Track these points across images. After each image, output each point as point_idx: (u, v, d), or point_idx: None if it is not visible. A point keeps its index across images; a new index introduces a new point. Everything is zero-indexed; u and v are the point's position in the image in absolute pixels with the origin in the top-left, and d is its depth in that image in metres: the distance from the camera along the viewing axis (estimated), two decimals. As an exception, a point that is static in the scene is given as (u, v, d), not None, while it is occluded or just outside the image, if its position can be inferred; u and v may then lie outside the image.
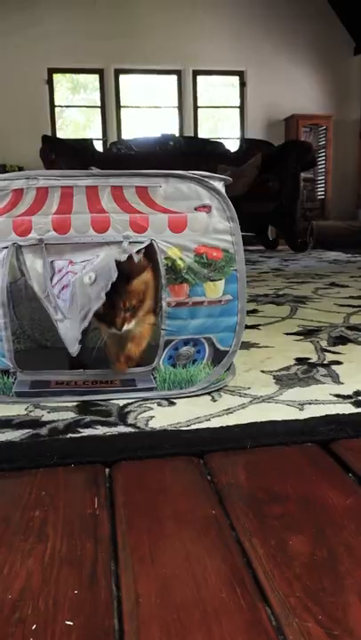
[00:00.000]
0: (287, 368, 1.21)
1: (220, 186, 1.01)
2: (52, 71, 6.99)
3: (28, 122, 6.80)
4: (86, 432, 0.88)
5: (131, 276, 0.96)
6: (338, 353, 1.33)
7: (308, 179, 7.46)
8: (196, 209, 0.99)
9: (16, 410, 0.99)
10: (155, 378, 1.04)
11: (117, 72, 7.16)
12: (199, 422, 0.91)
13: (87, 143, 5.56)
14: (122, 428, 0.89)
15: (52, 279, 0.97)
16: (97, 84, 7.25)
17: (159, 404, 1.01)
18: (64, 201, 0.97)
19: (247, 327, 1.61)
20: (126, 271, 0.96)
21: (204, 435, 0.86)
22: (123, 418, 0.93)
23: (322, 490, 0.69)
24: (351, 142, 7.60)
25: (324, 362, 1.26)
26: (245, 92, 7.43)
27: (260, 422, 0.90)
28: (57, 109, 7.23)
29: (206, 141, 6.00)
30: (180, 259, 0.99)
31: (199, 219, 0.99)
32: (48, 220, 0.97)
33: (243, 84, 7.43)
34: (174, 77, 7.34)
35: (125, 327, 0.97)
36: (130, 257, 0.96)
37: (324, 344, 1.42)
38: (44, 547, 0.58)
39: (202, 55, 7.17)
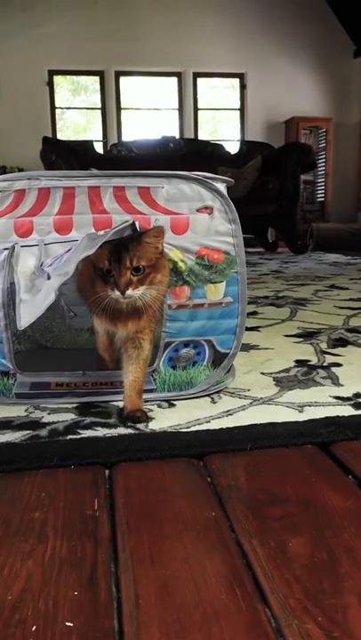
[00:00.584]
0: (287, 370, 1.22)
1: (222, 187, 1.01)
2: (52, 73, 7.00)
3: (29, 123, 6.81)
4: (86, 433, 0.88)
5: (143, 235, 0.89)
6: (338, 355, 1.33)
7: (308, 181, 7.47)
8: (197, 210, 0.99)
9: (16, 411, 0.99)
10: (155, 379, 1.04)
11: (118, 74, 7.18)
12: (199, 424, 0.91)
13: (87, 145, 5.56)
14: (122, 430, 0.89)
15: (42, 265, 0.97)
16: (97, 85, 7.26)
17: (159, 406, 1.01)
18: (66, 201, 0.97)
19: (247, 329, 1.61)
20: (139, 232, 0.91)
21: (203, 436, 0.86)
22: (123, 419, 0.93)
23: (322, 492, 0.70)
24: (351, 145, 7.62)
25: (324, 364, 1.26)
26: (246, 95, 7.45)
27: (260, 424, 0.90)
28: (57, 111, 7.24)
29: (206, 143, 6.01)
30: (182, 261, 0.99)
31: (201, 220, 1.00)
32: (50, 220, 0.97)
33: (243, 87, 7.45)
34: (175, 79, 7.35)
35: (129, 292, 0.87)
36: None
37: (323, 346, 1.42)
38: (44, 548, 0.58)
39: (202, 57, 7.18)
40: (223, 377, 1.08)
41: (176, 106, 7.46)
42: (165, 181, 0.98)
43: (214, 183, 1.00)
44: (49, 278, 0.88)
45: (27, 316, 0.86)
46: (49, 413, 0.97)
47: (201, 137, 7.37)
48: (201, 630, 0.46)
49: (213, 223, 1.00)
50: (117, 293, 0.87)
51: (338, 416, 0.93)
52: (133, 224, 0.93)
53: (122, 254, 0.86)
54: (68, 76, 7.31)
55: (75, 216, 0.97)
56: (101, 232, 0.90)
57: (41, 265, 0.96)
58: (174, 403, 1.02)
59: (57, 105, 7.20)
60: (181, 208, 0.98)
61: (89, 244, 0.85)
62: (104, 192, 0.97)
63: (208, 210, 1.00)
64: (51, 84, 7.04)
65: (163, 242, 0.92)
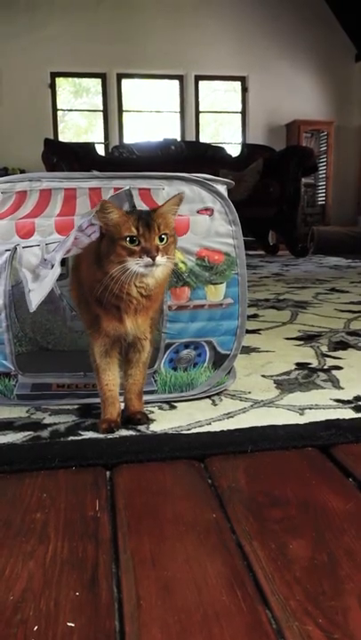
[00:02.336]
0: (288, 373, 1.22)
1: (222, 189, 1.02)
2: (54, 75, 7.01)
3: (31, 125, 6.81)
4: (87, 435, 0.88)
5: (165, 204, 0.86)
6: (338, 358, 1.33)
7: (309, 184, 7.47)
8: (198, 212, 1.00)
9: (17, 412, 0.99)
10: (155, 381, 1.04)
11: (120, 76, 7.19)
12: (200, 426, 0.92)
13: (89, 147, 5.56)
14: (123, 431, 0.90)
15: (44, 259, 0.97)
16: (99, 88, 7.27)
17: (160, 408, 1.01)
18: (67, 203, 0.97)
19: (248, 332, 1.62)
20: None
21: (204, 438, 0.86)
22: (123, 421, 0.93)
23: (322, 494, 0.70)
24: (352, 148, 7.62)
25: (325, 367, 1.26)
26: (247, 98, 7.45)
27: (261, 426, 0.90)
28: (59, 113, 7.24)
29: (208, 146, 6.02)
30: (182, 262, 0.99)
31: (201, 222, 1.00)
32: (51, 222, 0.97)
33: (244, 90, 7.46)
34: (176, 82, 7.36)
35: (158, 259, 0.82)
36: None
37: (324, 349, 1.42)
38: (45, 549, 0.59)
39: (204, 60, 7.19)
40: (224, 378, 1.08)
41: (178, 108, 7.46)
42: (166, 183, 0.98)
43: (215, 185, 1.00)
44: (52, 267, 0.88)
45: (37, 297, 0.85)
46: (50, 415, 0.98)
47: (202, 140, 7.37)
48: (202, 631, 0.46)
49: (214, 224, 1.01)
50: (147, 260, 0.81)
51: (338, 419, 0.93)
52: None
53: (149, 221, 0.83)
54: (70, 78, 7.32)
55: (76, 217, 0.97)
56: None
57: (44, 260, 0.97)
58: (175, 404, 1.03)
59: (59, 107, 7.20)
60: (182, 209, 0.98)
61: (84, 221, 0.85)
62: (105, 193, 0.97)
63: (208, 211, 1.00)
64: (53, 86, 7.05)
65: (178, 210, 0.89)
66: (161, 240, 0.83)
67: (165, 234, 0.84)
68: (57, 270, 0.84)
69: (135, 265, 0.82)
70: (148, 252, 0.82)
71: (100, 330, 0.91)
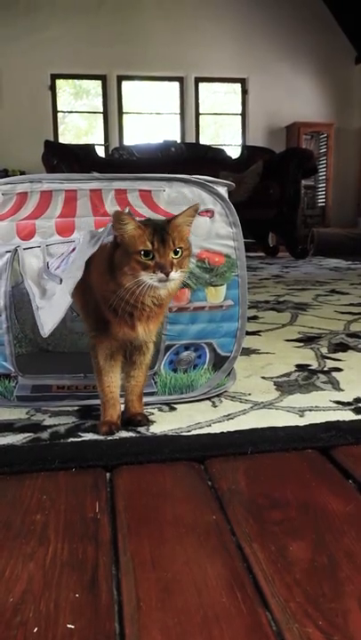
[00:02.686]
0: (288, 374, 1.22)
1: (223, 191, 1.02)
2: (54, 77, 7.02)
3: (31, 127, 6.82)
4: (87, 436, 0.88)
5: (179, 216, 0.85)
6: (338, 360, 1.33)
7: (309, 186, 7.48)
8: (199, 213, 1.00)
9: (17, 414, 0.99)
10: (155, 382, 1.04)
11: (120, 78, 7.20)
12: (200, 428, 0.92)
13: (89, 149, 5.57)
14: (123, 433, 0.89)
15: (48, 267, 0.96)
16: (99, 90, 7.28)
17: (160, 410, 1.01)
18: (68, 204, 0.97)
19: (248, 333, 1.62)
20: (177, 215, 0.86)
21: (204, 440, 0.86)
22: (124, 423, 0.93)
23: (322, 496, 0.70)
24: (352, 150, 7.63)
25: (325, 369, 1.26)
26: (247, 100, 7.46)
27: (261, 428, 0.90)
28: (59, 115, 7.25)
29: (208, 148, 6.03)
30: (183, 264, 0.99)
31: (202, 223, 1.00)
32: (52, 223, 0.97)
33: (244, 92, 7.47)
34: (176, 84, 7.37)
35: (172, 273, 0.81)
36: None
37: (324, 351, 1.42)
38: (45, 550, 0.59)
39: (204, 62, 7.20)
40: (224, 380, 1.08)
41: (178, 110, 7.47)
42: (166, 185, 0.98)
43: (215, 187, 1.00)
44: (61, 282, 0.88)
45: (49, 322, 0.84)
46: (50, 416, 0.97)
47: (202, 141, 7.38)
48: (202, 633, 0.46)
49: (214, 226, 1.01)
50: (161, 276, 0.80)
51: (338, 420, 0.93)
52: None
53: (164, 235, 0.81)
54: (71, 80, 7.33)
55: (77, 219, 0.97)
56: (101, 229, 0.89)
57: (47, 266, 0.96)
58: (175, 406, 1.03)
59: (59, 109, 7.21)
60: (182, 211, 0.99)
61: (92, 243, 0.84)
62: (106, 195, 0.98)
63: (209, 213, 1.00)
64: (53, 88, 7.06)
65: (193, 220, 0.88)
66: (175, 253, 0.82)
67: (180, 247, 0.83)
68: (69, 299, 0.83)
69: (149, 280, 0.81)
70: (163, 267, 0.80)
71: (107, 334, 0.90)
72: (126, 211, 0.91)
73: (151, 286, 0.82)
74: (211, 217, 1.00)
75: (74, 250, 0.92)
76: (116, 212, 0.81)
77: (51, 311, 0.86)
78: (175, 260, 0.82)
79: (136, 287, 0.82)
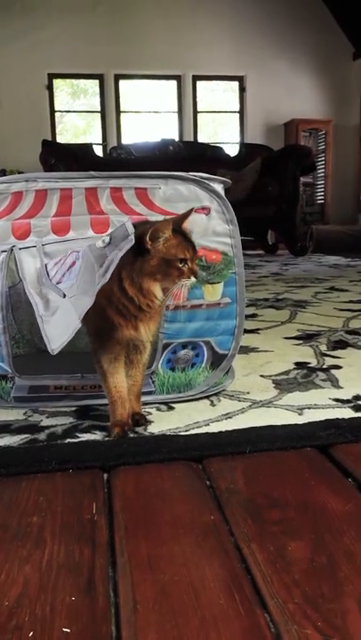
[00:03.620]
0: (286, 372, 1.21)
1: (219, 188, 1.01)
2: (52, 76, 7.01)
3: (29, 126, 6.81)
4: (85, 437, 0.88)
5: (182, 219, 0.89)
6: (337, 357, 1.33)
7: (308, 183, 7.46)
8: (195, 211, 0.99)
9: (14, 415, 0.99)
10: (153, 382, 1.04)
11: (117, 77, 7.18)
12: (198, 427, 0.91)
13: (87, 148, 5.56)
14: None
15: (48, 274, 0.96)
16: (97, 89, 7.26)
17: (158, 409, 1.00)
18: (63, 203, 0.97)
19: (246, 331, 1.61)
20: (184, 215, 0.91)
21: (202, 439, 0.85)
22: (121, 422, 0.93)
23: (321, 495, 0.69)
24: (351, 147, 7.62)
25: (324, 366, 1.26)
26: (245, 97, 7.45)
27: (260, 427, 0.90)
28: (57, 114, 7.24)
29: (206, 146, 6.01)
30: (179, 262, 0.98)
31: (198, 221, 0.99)
32: (47, 222, 0.96)
33: (242, 89, 7.45)
34: (174, 82, 7.36)
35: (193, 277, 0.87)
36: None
37: (323, 348, 1.42)
38: (41, 553, 0.58)
39: (201, 60, 7.19)
40: (222, 378, 1.07)
41: (175, 109, 7.46)
42: (162, 182, 0.98)
43: (211, 184, 1.00)
44: (64, 297, 0.88)
45: (56, 339, 0.84)
46: (47, 417, 0.97)
47: (200, 140, 7.37)
48: (199, 636, 0.46)
49: (211, 224, 1.00)
50: (193, 280, 0.87)
51: (337, 418, 0.92)
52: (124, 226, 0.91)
53: (193, 244, 0.88)
54: (68, 80, 7.32)
55: (72, 217, 0.97)
56: (100, 243, 0.88)
57: (46, 271, 0.95)
58: (173, 406, 1.02)
59: (56, 108, 7.20)
60: (178, 209, 0.98)
61: (98, 266, 0.83)
62: (101, 193, 0.97)
63: (205, 210, 1.00)
64: (50, 88, 7.05)
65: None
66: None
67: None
68: (78, 324, 0.82)
69: (182, 283, 0.86)
70: (195, 273, 0.87)
71: (111, 337, 0.90)
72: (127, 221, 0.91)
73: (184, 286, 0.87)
74: (207, 214, 1.00)
75: (74, 263, 0.91)
76: (154, 228, 0.83)
77: (58, 327, 0.85)
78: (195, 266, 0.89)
79: (174, 290, 0.87)
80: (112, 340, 0.90)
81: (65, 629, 0.47)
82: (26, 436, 0.89)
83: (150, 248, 0.83)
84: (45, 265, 0.96)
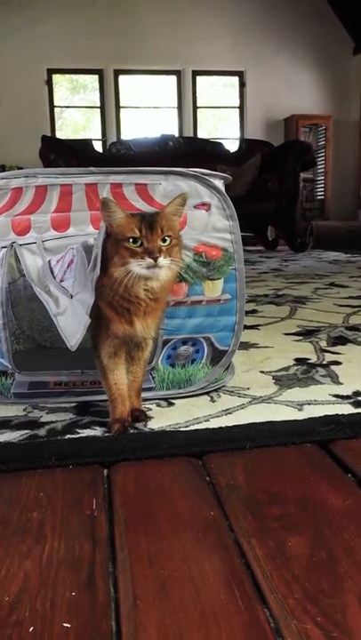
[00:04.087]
0: (286, 368, 1.21)
1: (219, 184, 1.01)
2: (51, 72, 6.99)
3: (28, 122, 6.79)
4: (85, 433, 0.88)
5: (169, 205, 0.87)
6: (337, 353, 1.33)
7: (308, 179, 7.45)
8: (195, 207, 0.99)
9: (14, 411, 0.99)
10: (153, 378, 1.04)
11: (117, 72, 7.16)
12: (198, 423, 0.91)
13: (87, 143, 5.55)
14: (120, 429, 0.89)
15: (52, 272, 0.96)
16: (96, 84, 7.24)
17: (158, 405, 1.00)
18: (63, 199, 0.96)
19: (246, 327, 1.61)
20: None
21: (202, 435, 0.85)
22: (121, 418, 0.93)
23: (321, 491, 0.69)
24: (351, 142, 7.60)
25: (324, 362, 1.26)
26: (245, 93, 7.43)
27: (259, 423, 0.90)
28: (56, 110, 7.22)
29: (206, 142, 6.00)
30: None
31: (198, 217, 0.99)
32: (47, 218, 0.96)
33: (242, 85, 7.43)
34: (174, 78, 7.33)
35: (161, 259, 0.82)
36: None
37: (323, 344, 1.42)
38: (41, 548, 0.58)
39: (201, 56, 7.16)
40: (222, 374, 1.07)
41: (175, 104, 7.44)
42: (163, 178, 0.98)
43: (212, 180, 0.99)
44: (72, 297, 0.88)
45: (73, 336, 0.85)
46: (47, 413, 0.97)
47: (200, 135, 7.35)
48: (199, 631, 0.46)
49: (211, 220, 1.00)
50: (149, 261, 0.81)
51: (337, 414, 0.92)
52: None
53: (153, 222, 0.83)
54: (67, 75, 7.30)
55: (72, 213, 0.96)
56: (91, 240, 0.89)
57: (50, 268, 0.95)
58: (173, 402, 1.02)
59: (56, 104, 7.18)
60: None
61: (92, 265, 0.84)
62: (101, 189, 0.97)
63: (205, 206, 0.99)
64: (50, 83, 7.03)
65: (183, 211, 0.89)
66: (164, 241, 0.83)
67: (169, 235, 0.84)
68: (87, 319, 0.83)
69: (138, 266, 0.81)
70: (151, 252, 0.81)
71: (108, 332, 0.89)
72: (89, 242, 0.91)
73: (141, 276, 0.82)
74: (207, 210, 0.99)
75: (72, 261, 0.92)
76: (104, 200, 0.82)
77: (72, 325, 0.86)
78: (164, 248, 0.83)
79: (126, 277, 0.82)
80: (109, 335, 0.90)
81: (65, 624, 0.47)
82: (26, 431, 0.89)
83: (107, 228, 0.83)
84: (49, 261, 0.96)
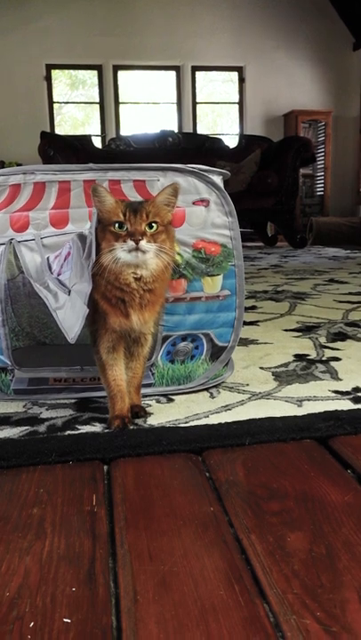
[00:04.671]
0: (286, 364, 1.21)
1: (218, 180, 1.01)
2: (50, 67, 6.96)
3: (27, 118, 6.78)
4: (85, 429, 0.88)
5: (159, 194, 0.86)
6: (337, 349, 1.33)
7: (307, 175, 7.44)
8: (193, 203, 0.99)
9: (14, 407, 0.99)
10: (153, 374, 1.04)
11: (116, 68, 7.14)
12: (198, 419, 0.91)
13: (86, 139, 5.53)
14: (120, 425, 0.89)
15: (50, 268, 0.96)
16: (95, 80, 7.22)
17: (158, 401, 1.01)
18: (62, 195, 0.96)
19: (246, 324, 1.61)
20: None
21: (202, 431, 0.86)
22: (121, 414, 0.93)
23: (320, 486, 0.69)
24: (350, 138, 7.59)
25: (323, 358, 1.26)
26: (244, 88, 7.41)
27: (259, 419, 0.90)
28: (55, 106, 7.20)
29: (205, 137, 5.99)
30: (178, 254, 0.98)
31: (197, 213, 0.99)
32: (45, 215, 0.96)
33: (242, 80, 7.41)
34: (173, 73, 7.31)
35: (143, 242, 0.81)
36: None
37: (323, 340, 1.42)
38: (42, 544, 0.58)
39: (200, 51, 7.14)
40: (221, 370, 1.07)
41: (174, 100, 7.42)
42: (161, 174, 0.97)
43: (210, 176, 0.99)
44: (70, 293, 0.88)
45: (72, 329, 0.85)
46: (47, 409, 0.97)
47: (200, 131, 7.33)
48: (199, 626, 0.46)
49: (210, 216, 1.00)
50: (131, 243, 0.81)
51: (337, 410, 0.92)
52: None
53: (138, 207, 0.83)
54: (66, 71, 7.27)
55: (71, 210, 0.96)
56: (85, 231, 0.90)
57: (48, 265, 0.95)
58: (173, 398, 1.02)
59: (55, 99, 7.16)
60: (177, 201, 0.97)
61: (87, 253, 0.84)
62: (100, 186, 0.96)
63: (204, 202, 0.99)
64: (48, 79, 7.01)
65: (176, 202, 0.88)
66: (150, 227, 0.83)
67: (155, 222, 0.83)
68: (85, 308, 0.84)
69: (122, 251, 0.82)
70: (132, 235, 0.81)
71: (106, 326, 0.89)
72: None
73: (126, 262, 0.82)
74: (206, 206, 0.99)
75: (69, 253, 0.92)
76: (94, 186, 0.83)
77: (71, 318, 0.86)
78: (148, 233, 0.83)
79: (113, 262, 0.82)
80: (106, 329, 0.89)
81: (66, 620, 0.47)
82: (26, 428, 0.89)
83: (98, 214, 0.84)
84: (47, 258, 0.96)
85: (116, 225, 0.82)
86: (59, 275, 0.93)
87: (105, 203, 0.83)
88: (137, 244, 0.81)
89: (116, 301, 0.86)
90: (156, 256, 0.84)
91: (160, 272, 0.86)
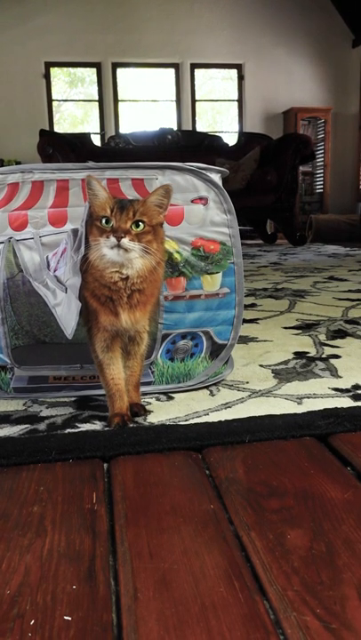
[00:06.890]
0: (286, 362, 1.21)
1: (216, 178, 1.01)
2: (49, 65, 6.96)
3: (26, 116, 6.77)
4: (85, 427, 0.88)
5: (151, 194, 0.86)
6: (336, 347, 1.33)
7: (307, 172, 7.44)
8: (192, 201, 0.99)
9: (14, 405, 0.99)
10: (152, 372, 1.04)
11: (115, 66, 7.13)
12: (198, 417, 0.91)
13: (85, 137, 5.53)
14: (120, 423, 0.89)
15: (48, 266, 0.97)
16: (94, 77, 7.21)
17: (157, 399, 1.01)
18: (60, 194, 0.96)
19: (246, 321, 1.61)
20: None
21: (202, 429, 0.86)
22: (121, 412, 0.93)
23: (320, 483, 0.69)
24: (350, 135, 7.58)
25: (323, 356, 1.26)
26: (244, 85, 7.40)
27: (259, 416, 0.90)
28: (54, 103, 7.19)
29: (204, 135, 5.98)
30: (177, 252, 0.98)
31: (196, 211, 0.99)
32: (44, 213, 0.96)
33: (241, 77, 7.40)
34: (172, 71, 7.30)
35: (126, 240, 0.81)
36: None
37: (322, 338, 1.42)
38: (42, 542, 0.58)
39: (200, 48, 7.13)
40: (221, 368, 1.07)
41: (174, 97, 7.41)
42: (159, 173, 0.97)
43: (208, 174, 0.99)
44: (66, 291, 0.89)
45: (69, 325, 0.87)
46: (47, 407, 0.97)
47: (199, 128, 7.33)
48: (199, 623, 0.46)
49: (208, 214, 1.00)
50: (112, 240, 0.81)
51: (336, 408, 0.93)
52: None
53: (126, 205, 0.83)
54: (65, 68, 7.26)
55: (69, 208, 0.96)
56: (80, 225, 0.90)
57: (47, 264, 0.96)
58: (173, 396, 1.02)
59: (54, 97, 7.15)
60: (176, 199, 0.98)
61: (77, 245, 0.85)
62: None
63: (203, 200, 0.99)
64: (47, 77, 7.00)
65: (168, 204, 0.87)
66: (137, 226, 0.83)
67: (142, 221, 0.83)
68: (78, 303, 0.85)
69: (105, 247, 0.82)
70: (115, 231, 0.81)
71: (98, 325, 0.89)
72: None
73: (110, 259, 0.83)
74: (205, 204, 0.99)
75: (65, 250, 0.92)
76: (88, 178, 0.83)
77: (67, 313, 0.87)
78: (133, 231, 0.82)
79: (97, 258, 0.83)
80: (98, 327, 0.90)
81: (66, 617, 0.47)
82: (26, 426, 0.89)
83: (90, 208, 0.84)
84: (47, 257, 0.96)
85: (103, 220, 0.82)
86: (55, 271, 0.94)
87: (97, 196, 0.83)
88: (118, 240, 0.81)
89: (105, 300, 0.86)
90: (141, 256, 0.83)
91: (147, 272, 0.86)
